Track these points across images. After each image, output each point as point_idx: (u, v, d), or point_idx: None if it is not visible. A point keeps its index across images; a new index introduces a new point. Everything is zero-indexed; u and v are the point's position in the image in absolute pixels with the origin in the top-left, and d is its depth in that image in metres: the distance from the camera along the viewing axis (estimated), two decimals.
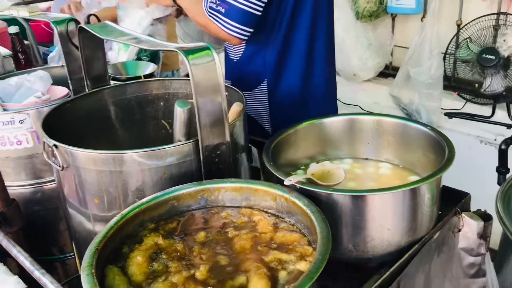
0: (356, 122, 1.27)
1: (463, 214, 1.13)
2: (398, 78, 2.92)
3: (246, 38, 1.63)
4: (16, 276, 1.15)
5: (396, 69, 3.03)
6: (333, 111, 1.95)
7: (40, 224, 1.51)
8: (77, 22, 1.38)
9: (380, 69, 3.15)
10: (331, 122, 1.28)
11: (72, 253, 1.50)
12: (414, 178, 1.19)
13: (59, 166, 1.08)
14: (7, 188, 1.29)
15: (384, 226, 0.98)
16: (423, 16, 2.88)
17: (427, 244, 1.04)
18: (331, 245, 0.78)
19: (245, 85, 1.81)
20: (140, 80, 1.47)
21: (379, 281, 0.97)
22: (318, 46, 1.80)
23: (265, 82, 1.79)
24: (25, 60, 2.03)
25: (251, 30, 1.62)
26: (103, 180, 1.05)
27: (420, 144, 1.17)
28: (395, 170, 1.24)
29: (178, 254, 0.87)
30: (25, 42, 3.49)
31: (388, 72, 3.23)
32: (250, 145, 1.69)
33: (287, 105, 1.81)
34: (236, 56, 1.82)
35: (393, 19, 3.10)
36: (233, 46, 1.81)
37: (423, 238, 1.05)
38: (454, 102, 2.84)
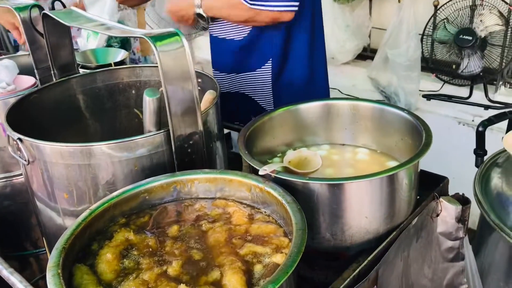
0: (332, 108, 1.25)
1: (441, 199, 1.12)
2: (376, 60, 2.90)
3: (297, 8, 1.55)
4: None
5: (374, 51, 3.01)
6: (328, 95, 1.94)
7: (11, 219, 1.47)
8: (40, 8, 1.32)
9: (358, 51, 3.13)
10: (307, 108, 1.25)
11: (45, 248, 1.46)
12: (392, 163, 1.18)
13: (25, 161, 1.04)
14: None
15: (362, 214, 0.96)
16: None
17: (406, 230, 1.03)
18: (306, 236, 0.76)
19: (248, 64, 1.76)
20: (110, 68, 1.42)
21: (358, 269, 0.95)
22: (318, 26, 1.78)
23: (270, 62, 1.73)
24: None
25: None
26: (71, 174, 1.01)
27: (398, 128, 1.15)
28: (372, 155, 1.22)
29: (150, 249, 0.84)
30: None
31: (366, 54, 3.21)
32: (230, 131, 1.67)
33: (291, 87, 1.76)
34: (239, 36, 1.73)
35: (370, 1, 3.07)
36: (242, 26, 1.70)
37: (401, 225, 1.03)
38: (432, 83, 2.83)
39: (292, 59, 1.75)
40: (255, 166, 0.99)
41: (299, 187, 0.93)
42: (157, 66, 1.38)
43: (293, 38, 1.72)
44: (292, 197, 0.85)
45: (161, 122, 1.06)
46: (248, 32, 1.70)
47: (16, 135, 1.02)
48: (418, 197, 1.10)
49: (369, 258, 0.96)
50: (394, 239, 1.01)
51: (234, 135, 1.78)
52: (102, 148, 0.98)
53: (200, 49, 3.51)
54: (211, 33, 1.81)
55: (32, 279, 1.48)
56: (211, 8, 1.61)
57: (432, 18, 2.71)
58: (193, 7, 1.61)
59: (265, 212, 0.91)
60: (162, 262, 0.81)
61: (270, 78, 1.75)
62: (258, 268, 0.78)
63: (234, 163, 1.27)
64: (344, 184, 0.93)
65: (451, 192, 1.19)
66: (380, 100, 1.14)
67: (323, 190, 0.93)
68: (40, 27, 1.30)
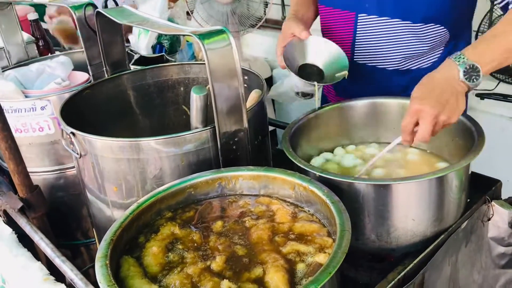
0: (380, 106, 1.22)
1: (493, 202, 1.08)
2: None
3: None
4: (39, 263, 1.16)
5: None
6: None
7: (64, 210, 1.53)
8: (94, 6, 1.37)
9: None
10: (353, 105, 1.24)
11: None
12: (442, 164, 1.14)
13: (77, 154, 1.08)
14: (30, 174, 1.29)
15: (409, 216, 0.94)
16: None
17: (454, 234, 1.00)
18: (351, 237, 0.75)
19: None
20: (159, 65, 1.45)
21: (403, 272, 0.93)
22: None
23: None
24: (44, 46, 2.03)
25: None
26: (120, 168, 1.04)
27: (449, 129, 1.11)
28: (422, 155, 1.19)
29: (195, 244, 0.85)
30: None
31: None
32: (276, 128, 1.65)
33: None
34: (427, 63, 1.39)
35: None
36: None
37: (450, 228, 1.00)
38: (486, 82, 2.72)
39: None
40: (299, 164, 0.98)
41: (345, 187, 0.92)
42: (205, 64, 1.41)
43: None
44: (337, 197, 0.84)
45: (207, 119, 1.07)
46: (441, 52, 1.39)
47: (69, 129, 1.06)
48: (468, 200, 1.07)
49: (415, 261, 0.94)
50: (442, 242, 0.98)
51: (280, 132, 1.77)
52: (150, 143, 1.01)
53: (248, 46, 3.52)
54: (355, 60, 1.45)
55: (82, 268, 1.54)
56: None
57: (488, 14, 2.61)
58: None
59: (308, 211, 0.91)
60: (206, 257, 0.82)
61: None
62: (300, 267, 0.78)
63: (279, 160, 1.27)
64: (391, 185, 0.91)
65: (504, 195, 1.14)
66: None
67: (369, 190, 0.91)
68: (93, 25, 1.35)
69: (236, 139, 1.03)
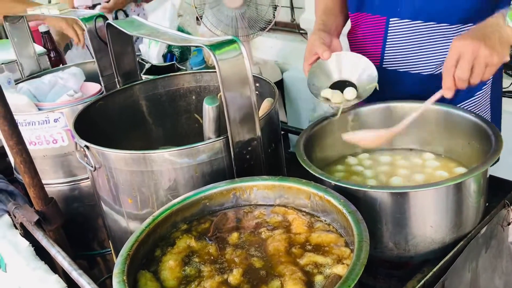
0: (394, 110, 1.21)
1: None
2: None
3: None
4: (56, 276, 1.16)
5: None
6: None
7: (80, 221, 1.53)
8: (105, 18, 1.37)
9: None
10: (367, 110, 1.22)
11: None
12: (460, 169, 1.12)
13: (91, 167, 1.08)
14: (45, 186, 1.30)
15: (427, 223, 0.93)
16: None
17: (474, 240, 0.98)
18: (369, 247, 0.74)
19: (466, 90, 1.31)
20: (170, 74, 1.45)
21: (423, 280, 0.92)
22: None
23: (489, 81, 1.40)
24: (56, 58, 2.05)
25: None
26: (135, 180, 1.04)
27: (465, 132, 1.10)
28: (439, 160, 1.17)
29: (211, 257, 0.85)
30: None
31: None
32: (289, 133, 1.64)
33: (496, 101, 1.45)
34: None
35: None
36: None
37: (469, 234, 0.99)
38: (504, 80, 2.68)
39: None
40: (314, 173, 0.97)
41: (361, 196, 0.91)
42: (216, 71, 1.41)
43: None
44: (354, 206, 0.83)
45: (220, 129, 1.07)
46: None
47: (83, 143, 1.07)
48: (487, 204, 1.05)
49: (434, 269, 0.93)
50: (461, 249, 0.96)
51: (292, 135, 1.74)
52: (164, 155, 1.01)
53: (258, 49, 3.52)
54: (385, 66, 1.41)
55: (99, 278, 1.54)
56: None
57: None
58: None
59: (325, 220, 0.90)
60: (223, 270, 0.82)
61: (489, 101, 1.42)
62: (318, 279, 0.77)
63: (291, 164, 1.26)
64: (408, 193, 0.90)
65: None
66: (446, 104, 1.09)
67: (386, 199, 0.90)
68: (104, 36, 1.35)
69: (249, 148, 1.02)
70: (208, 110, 1.04)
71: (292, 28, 3.47)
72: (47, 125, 1.38)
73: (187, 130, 1.49)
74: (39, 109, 1.42)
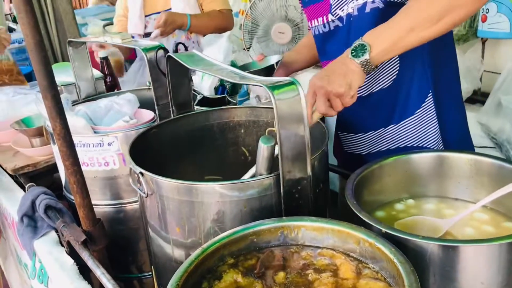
0: (446, 159, 1.20)
1: None
2: (488, 105, 2.74)
3: None
4: None
5: (486, 95, 2.85)
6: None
7: (122, 243, 1.57)
8: (165, 50, 1.43)
9: (468, 94, 2.98)
10: (419, 158, 1.22)
11: (150, 273, 1.54)
12: (510, 224, 1.10)
13: (144, 193, 1.11)
14: (93, 206, 1.34)
15: (477, 279, 0.90)
16: None
17: None
18: None
19: (399, 111, 1.48)
20: (223, 107, 1.49)
21: None
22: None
23: (430, 95, 1.45)
24: (111, 83, 2.13)
25: None
26: (185, 209, 1.06)
27: None
28: (486, 213, 1.15)
29: None
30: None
31: (477, 98, 3.04)
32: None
33: (456, 113, 1.51)
34: (386, 82, 1.46)
35: (483, 43, 2.94)
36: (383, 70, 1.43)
37: None
38: None
39: (447, 82, 1.47)
40: (364, 218, 0.97)
41: (410, 245, 0.90)
42: (267, 108, 1.44)
43: (443, 56, 1.46)
44: (405, 256, 0.82)
45: (272, 166, 1.08)
46: (397, 70, 1.43)
47: (139, 169, 1.10)
48: None
49: None
50: None
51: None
52: (215, 187, 1.03)
53: (302, 83, 3.55)
54: None
55: None
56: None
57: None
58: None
59: (373, 268, 0.89)
60: None
61: (435, 114, 1.46)
62: None
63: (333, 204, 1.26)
64: (460, 247, 0.88)
65: None
66: (501, 157, 1.09)
67: (436, 251, 0.89)
68: (163, 68, 1.40)
69: (299, 187, 1.03)
70: (263, 149, 1.06)
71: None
72: (101, 148, 1.43)
73: (234, 162, 1.51)
74: (95, 132, 1.47)
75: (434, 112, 1.46)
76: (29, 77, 2.61)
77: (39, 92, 1.17)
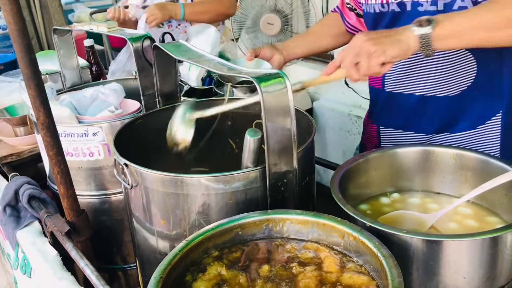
0: (432, 154, 1.21)
1: None
2: None
3: None
4: None
5: None
6: None
7: (106, 234, 1.56)
8: (152, 40, 1.41)
9: None
10: (405, 152, 1.22)
11: (134, 264, 1.53)
12: (492, 219, 1.11)
13: (128, 185, 1.10)
14: (77, 197, 1.32)
15: (459, 273, 0.91)
16: None
17: None
18: None
19: (464, 121, 1.37)
20: (209, 98, 1.47)
21: None
22: None
23: (500, 114, 1.35)
24: (97, 72, 2.10)
25: None
26: (170, 201, 1.06)
27: (503, 184, 1.09)
28: (470, 207, 1.16)
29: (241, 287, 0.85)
30: (101, 47, 3.65)
31: None
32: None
33: None
34: (454, 91, 1.34)
35: None
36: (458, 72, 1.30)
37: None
38: None
39: None
40: (349, 212, 0.97)
41: (395, 239, 0.91)
42: (254, 100, 1.43)
43: None
44: (388, 250, 0.83)
45: (258, 159, 1.08)
46: (474, 77, 1.31)
47: (123, 161, 1.09)
48: None
49: None
50: None
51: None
52: (200, 180, 1.02)
53: (290, 76, 3.55)
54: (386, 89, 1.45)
55: None
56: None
57: None
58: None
59: (357, 261, 0.89)
60: None
61: (499, 133, 1.36)
62: None
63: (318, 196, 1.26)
64: (443, 241, 0.89)
65: None
66: (485, 153, 1.10)
67: (420, 245, 0.90)
68: (150, 57, 1.39)
69: (285, 180, 1.03)
70: (250, 142, 1.05)
71: (326, 58, 3.50)
72: (85, 138, 1.41)
73: (220, 154, 1.50)
74: (80, 122, 1.45)
75: (499, 131, 1.36)
76: (14, 65, 2.57)
77: (23, 81, 1.15)
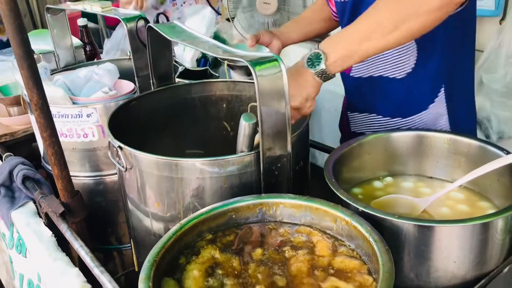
0: (426, 139, 1.21)
1: None
2: None
3: None
4: (77, 269, 1.18)
5: None
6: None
7: (101, 215, 1.56)
8: (146, 20, 1.39)
9: None
10: (398, 136, 1.23)
11: (129, 244, 1.54)
12: (484, 204, 1.12)
13: (123, 167, 1.10)
14: (71, 178, 1.32)
15: (450, 258, 0.93)
16: (502, 19, 2.70)
17: (496, 278, 0.98)
18: (393, 281, 0.74)
19: (413, 105, 1.45)
20: (205, 80, 1.47)
21: None
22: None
23: (442, 89, 1.42)
24: (92, 52, 2.08)
25: None
26: (164, 184, 1.06)
27: (495, 169, 1.09)
28: (462, 192, 1.17)
29: (235, 271, 0.86)
30: (96, 25, 3.61)
31: None
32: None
33: (464, 106, 1.48)
34: (401, 73, 1.42)
35: None
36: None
37: (491, 272, 0.98)
38: None
39: (460, 79, 1.44)
40: (341, 196, 0.98)
41: (387, 224, 0.91)
42: (249, 82, 1.42)
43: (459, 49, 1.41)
44: (380, 235, 0.84)
45: (253, 144, 1.08)
46: (414, 63, 1.39)
47: (117, 143, 1.09)
48: None
49: None
50: (483, 286, 0.96)
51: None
52: (195, 163, 1.02)
53: (287, 56, 3.52)
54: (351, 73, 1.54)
55: (114, 272, 1.56)
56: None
57: None
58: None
59: (349, 245, 0.90)
60: (245, 284, 0.83)
61: (445, 107, 1.44)
62: None
63: (312, 178, 1.27)
64: (434, 227, 0.90)
65: None
66: (479, 138, 1.10)
67: (411, 230, 0.90)
68: (144, 38, 1.37)
69: (279, 165, 1.03)
70: (245, 126, 1.05)
71: (324, 38, 3.47)
72: (80, 119, 1.41)
73: (215, 136, 1.51)
74: (74, 103, 1.45)
75: (445, 107, 1.42)
76: (7, 43, 2.54)
77: (15, 60, 1.13)
